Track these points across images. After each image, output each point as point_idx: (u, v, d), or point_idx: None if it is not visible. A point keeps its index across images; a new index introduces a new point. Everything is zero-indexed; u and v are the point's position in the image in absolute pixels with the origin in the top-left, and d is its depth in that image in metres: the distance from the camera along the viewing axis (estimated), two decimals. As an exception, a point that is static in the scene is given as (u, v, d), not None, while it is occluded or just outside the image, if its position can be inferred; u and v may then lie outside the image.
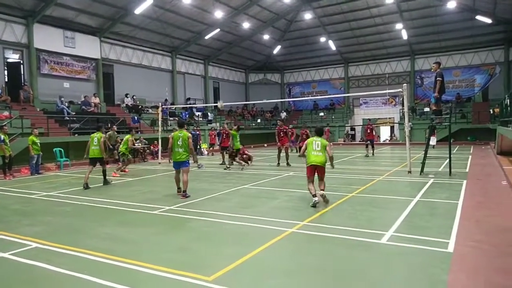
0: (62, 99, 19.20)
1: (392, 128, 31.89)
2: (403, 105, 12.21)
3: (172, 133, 8.71)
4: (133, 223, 6.37)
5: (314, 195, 7.02)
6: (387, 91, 17.22)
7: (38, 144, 13.75)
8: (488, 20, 24.57)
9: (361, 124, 32.31)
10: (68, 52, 20.39)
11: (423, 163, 11.13)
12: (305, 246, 4.91)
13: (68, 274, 4.02)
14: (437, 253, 4.39)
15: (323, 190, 7.21)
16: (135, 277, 3.95)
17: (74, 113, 19.26)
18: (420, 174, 10.89)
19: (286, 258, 4.48)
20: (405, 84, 11.95)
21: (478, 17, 24.62)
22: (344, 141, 31.03)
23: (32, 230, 5.87)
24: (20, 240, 5.29)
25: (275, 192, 8.95)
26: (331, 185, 9.55)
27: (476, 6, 24.08)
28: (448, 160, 11.22)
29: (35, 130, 14.14)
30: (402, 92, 11.99)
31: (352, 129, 32.92)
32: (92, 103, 20.88)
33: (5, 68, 18.36)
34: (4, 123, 13.77)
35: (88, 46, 21.38)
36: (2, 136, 12.58)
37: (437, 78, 10.76)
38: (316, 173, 7.37)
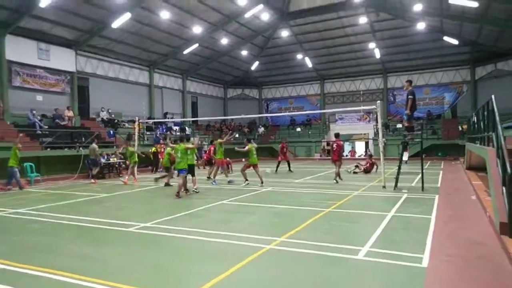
0: (34, 112, 18.59)
1: (367, 143, 32.62)
2: (377, 122, 12.52)
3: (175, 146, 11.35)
4: (106, 241, 6.17)
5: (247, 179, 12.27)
6: (362, 107, 17.56)
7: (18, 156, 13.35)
8: (455, 41, 25.89)
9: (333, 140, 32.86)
10: (42, 65, 19.89)
11: (397, 178, 11.40)
12: (282, 263, 4.88)
13: (35, 297, 3.82)
14: (412, 268, 4.47)
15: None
16: (107, 298, 3.80)
17: (46, 126, 18.67)
18: (394, 189, 11.14)
19: (264, 275, 4.44)
20: (379, 101, 12.34)
21: (446, 38, 25.92)
22: (320, 156, 31.42)
23: (-3, 250, 5.57)
24: (-17, 261, 5.00)
25: (253, 207, 8.91)
26: (309, 201, 9.62)
27: (444, 27, 25.36)
28: (420, 175, 11.57)
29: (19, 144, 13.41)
30: (376, 109, 12.35)
31: (328, 144, 33.40)
32: (66, 117, 20.34)
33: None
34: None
35: (63, 59, 20.94)
36: None
37: (409, 96, 11.16)
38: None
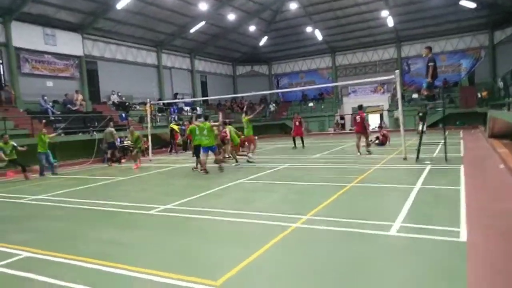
0: (46, 98, 18.57)
1: (381, 115, 31.96)
2: (395, 92, 12.06)
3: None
4: (129, 225, 6.10)
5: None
6: (379, 78, 17.05)
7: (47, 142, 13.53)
8: (472, 5, 24.64)
9: (351, 113, 32.34)
10: (49, 50, 19.69)
11: (418, 150, 11.06)
12: (311, 242, 4.71)
13: (61, 285, 3.74)
14: (450, 244, 4.25)
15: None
16: (135, 285, 3.70)
17: (59, 112, 18.67)
18: (416, 160, 10.82)
19: (294, 256, 4.28)
20: (397, 71, 11.82)
21: (462, 2, 24.67)
22: (334, 130, 30.99)
23: (21, 238, 5.54)
24: (7, 250, 4.96)
25: (273, 185, 8.75)
26: (330, 176, 9.40)
27: (461, -10, 24.13)
28: (441, 145, 11.17)
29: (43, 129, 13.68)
30: (394, 78, 11.88)
31: (342, 118, 32.90)
32: (77, 101, 20.28)
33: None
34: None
35: (70, 43, 20.69)
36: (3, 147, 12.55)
37: (429, 63, 10.65)
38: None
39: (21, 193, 9.68)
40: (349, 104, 33.26)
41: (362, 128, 13.70)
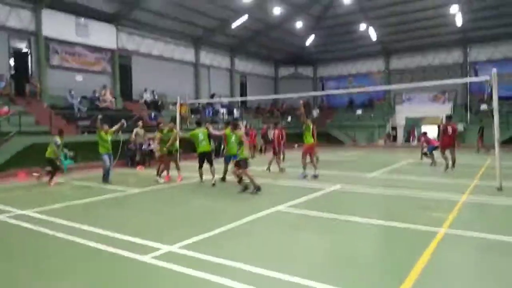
0: (73, 93, 17.29)
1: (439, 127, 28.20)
2: (491, 97, 9.14)
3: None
4: (102, 280, 3.90)
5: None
6: (444, 81, 14.10)
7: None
8: None
9: (403, 123, 28.95)
10: (81, 42, 18.48)
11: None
12: None
13: None
14: None
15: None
16: None
17: (85, 109, 17.29)
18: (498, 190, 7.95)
19: None
20: (495, 69, 8.83)
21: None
22: (385, 142, 27.64)
23: None
24: None
25: (324, 222, 6.25)
26: (401, 211, 6.71)
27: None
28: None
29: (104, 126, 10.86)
30: (489, 81, 8.93)
31: (394, 128, 29.44)
32: (106, 98, 18.90)
33: (12, 58, 16.66)
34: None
35: (103, 35, 19.40)
36: (59, 141, 10.84)
37: None
38: None
39: (9, 204, 7.90)
40: (402, 113, 29.77)
41: (452, 142, 11.65)
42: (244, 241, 5.25)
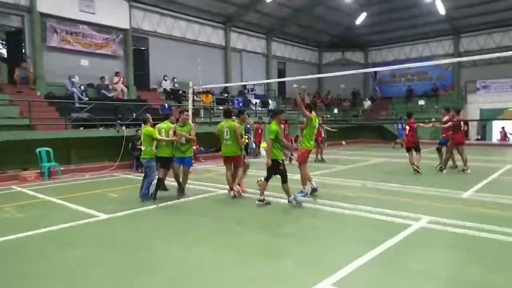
0: (74, 80, 14.42)
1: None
2: None
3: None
4: None
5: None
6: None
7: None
8: None
9: (477, 116, 23.72)
10: (86, 19, 15.59)
11: None
12: None
13: None
14: None
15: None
16: None
17: (87, 98, 14.36)
18: None
19: None
20: None
21: None
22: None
23: None
24: None
25: None
26: None
27: None
28: None
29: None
30: None
31: (465, 123, 24.01)
32: (118, 87, 15.96)
33: (3, 40, 14.14)
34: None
35: (113, 12, 16.42)
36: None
37: None
38: None
39: None
40: (476, 104, 24.42)
41: None
42: None
